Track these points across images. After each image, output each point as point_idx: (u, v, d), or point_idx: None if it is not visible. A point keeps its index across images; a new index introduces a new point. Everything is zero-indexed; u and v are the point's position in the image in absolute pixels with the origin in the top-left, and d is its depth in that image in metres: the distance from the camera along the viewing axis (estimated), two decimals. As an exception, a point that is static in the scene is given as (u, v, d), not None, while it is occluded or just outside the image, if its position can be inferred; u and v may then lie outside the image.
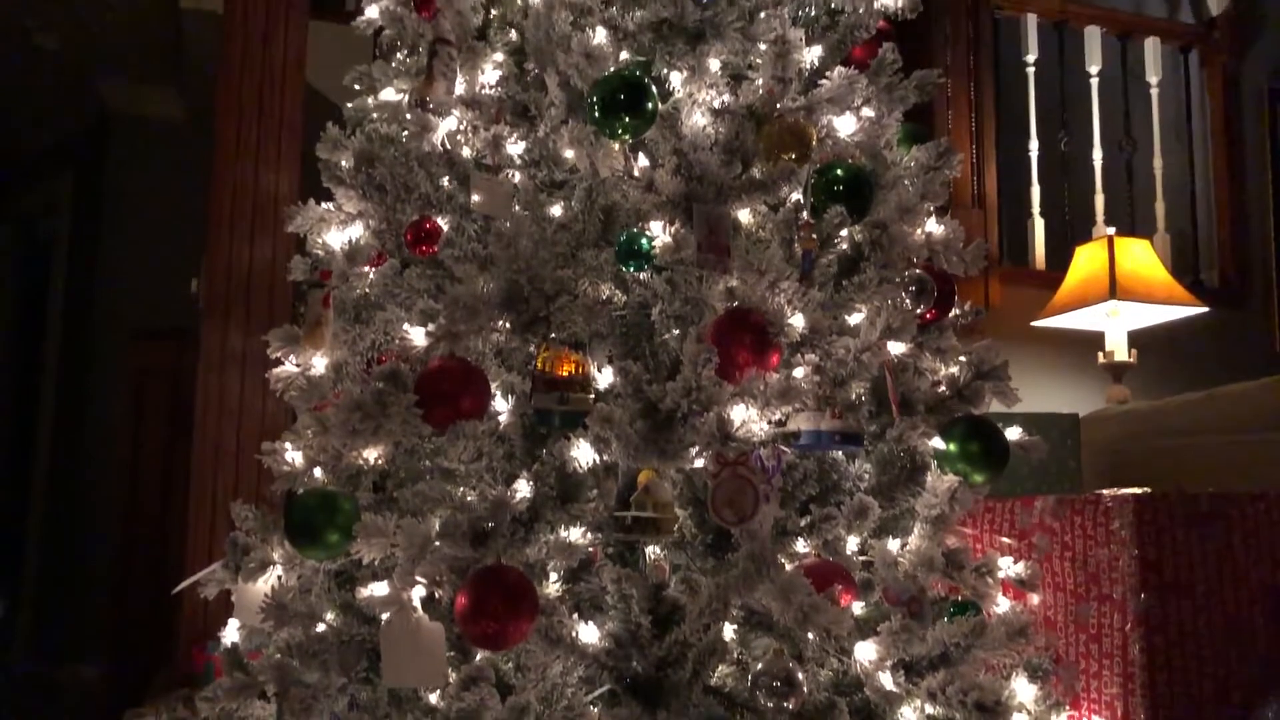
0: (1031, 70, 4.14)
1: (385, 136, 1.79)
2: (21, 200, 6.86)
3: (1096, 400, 3.72)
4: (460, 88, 1.71)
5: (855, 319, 1.59)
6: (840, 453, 1.63)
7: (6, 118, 6.00)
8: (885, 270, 1.62)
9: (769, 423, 1.40)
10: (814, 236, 1.58)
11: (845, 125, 1.69)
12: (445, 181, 1.72)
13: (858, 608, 1.56)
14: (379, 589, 1.43)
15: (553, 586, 1.49)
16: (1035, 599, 1.86)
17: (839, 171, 1.64)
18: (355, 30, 1.98)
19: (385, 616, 1.39)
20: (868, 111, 1.72)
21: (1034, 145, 4.11)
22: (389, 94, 1.83)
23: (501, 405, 1.56)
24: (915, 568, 1.54)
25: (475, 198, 1.61)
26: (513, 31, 1.81)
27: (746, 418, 1.38)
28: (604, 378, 1.55)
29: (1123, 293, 3.50)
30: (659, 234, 1.55)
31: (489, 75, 1.76)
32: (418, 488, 1.50)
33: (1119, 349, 3.64)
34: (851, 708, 1.51)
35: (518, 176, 1.71)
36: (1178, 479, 2.49)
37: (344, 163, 1.75)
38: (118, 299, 5.54)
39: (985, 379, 1.64)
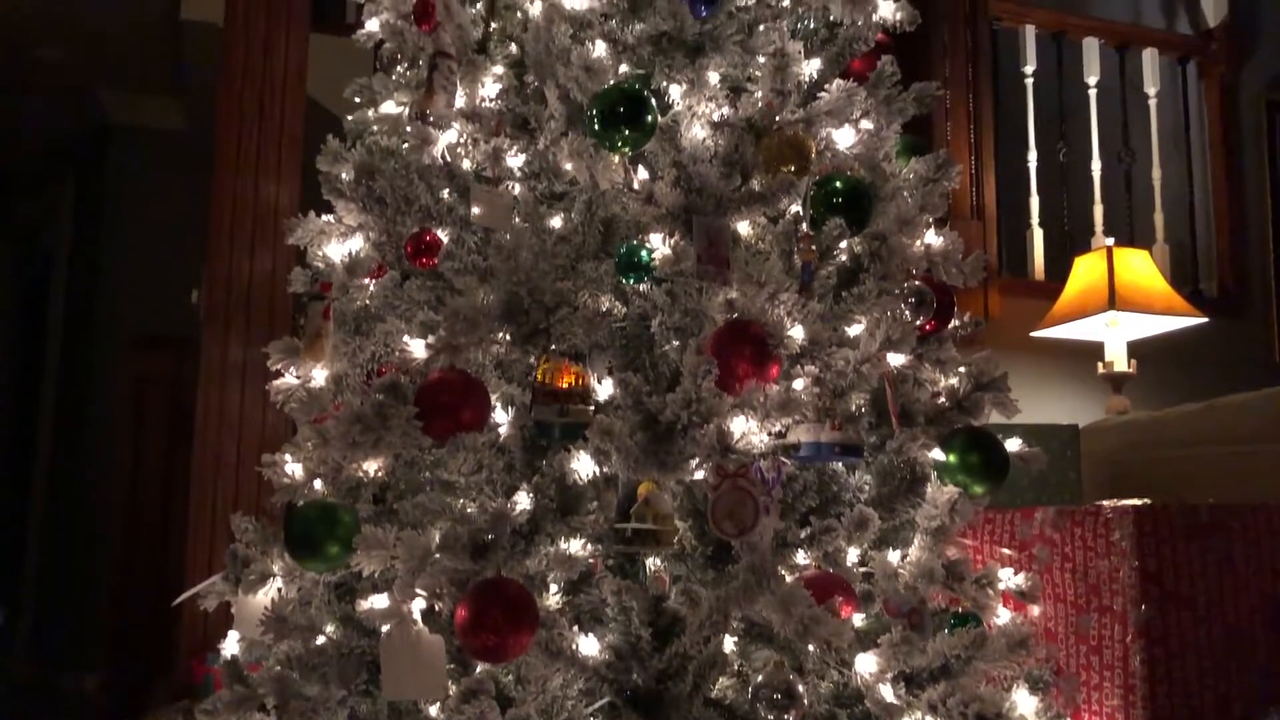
0: (1030, 81, 4.15)
1: (385, 149, 1.80)
2: (23, 208, 6.88)
3: (1096, 411, 3.71)
4: (460, 101, 1.71)
5: (855, 330, 1.59)
6: (840, 464, 1.63)
7: (9, 127, 6.02)
8: (884, 282, 1.62)
9: (769, 434, 1.41)
10: (813, 248, 1.59)
11: (844, 137, 1.70)
12: (445, 194, 1.73)
13: (858, 619, 1.56)
14: (379, 601, 1.43)
15: (553, 599, 1.49)
16: (1036, 610, 1.86)
17: (838, 184, 1.65)
18: (356, 43, 1.99)
19: (385, 629, 1.39)
20: (867, 124, 1.73)
21: (1033, 156, 4.12)
22: (389, 107, 1.84)
23: (501, 417, 1.56)
24: (916, 579, 1.54)
25: (475, 210, 1.61)
26: (513, 45, 1.82)
27: (746, 429, 1.38)
28: (604, 390, 1.56)
29: (1122, 303, 3.50)
30: (659, 246, 1.55)
31: (489, 88, 1.76)
32: (418, 500, 1.51)
33: (1118, 359, 3.65)
34: (852, 720, 1.51)
35: (518, 189, 1.72)
36: (1178, 490, 2.49)
37: (344, 175, 1.75)
38: (118, 307, 5.55)
39: (985, 390, 1.65)
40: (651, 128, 1.57)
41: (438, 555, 1.35)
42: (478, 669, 1.45)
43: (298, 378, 1.72)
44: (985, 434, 1.63)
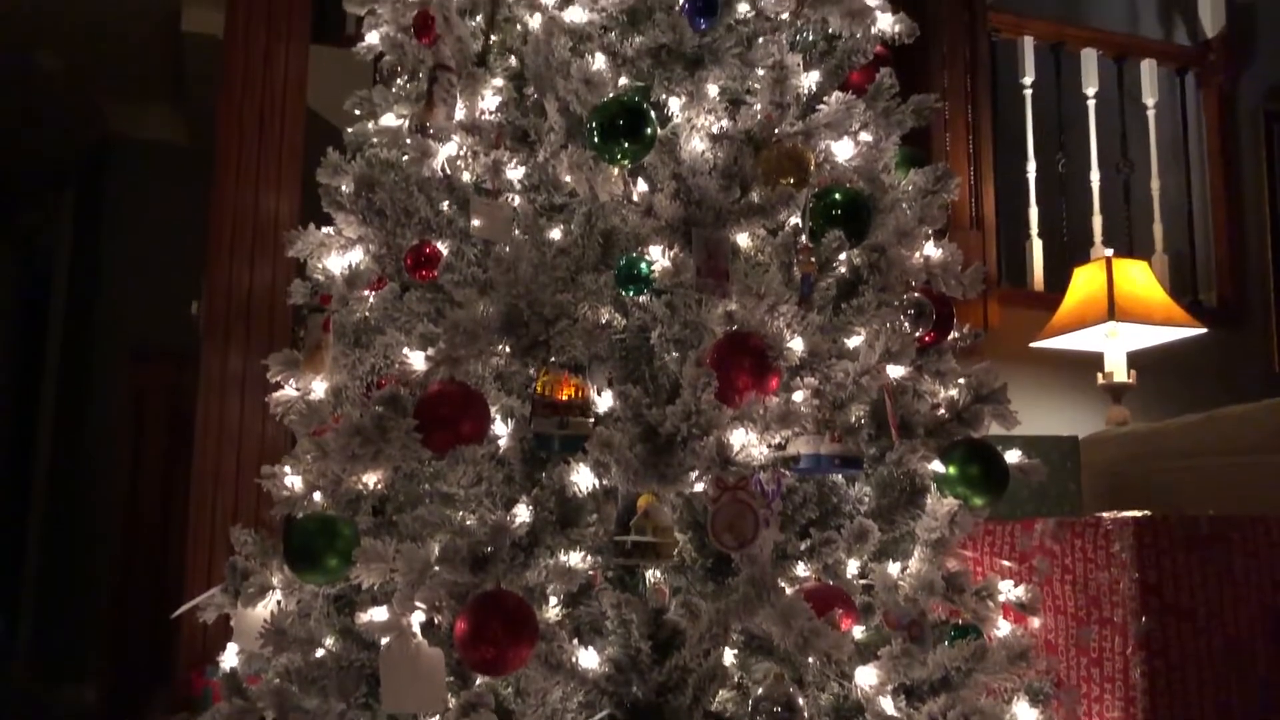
0: (1029, 92, 4.16)
1: (385, 161, 1.80)
2: (24, 219, 6.90)
3: (1096, 422, 3.71)
4: (460, 113, 1.72)
5: (854, 342, 1.60)
6: (840, 476, 1.63)
7: (9, 138, 6.03)
8: (884, 293, 1.63)
9: (769, 446, 1.41)
10: (813, 260, 1.59)
11: (843, 150, 1.70)
12: (445, 206, 1.73)
13: (858, 632, 1.56)
14: (378, 614, 1.43)
15: (552, 611, 1.49)
16: (1036, 622, 1.85)
17: (837, 196, 1.65)
18: (356, 56, 1.99)
19: (384, 642, 1.38)
20: (865, 136, 1.73)
21: (1031, 167, 4.13)
22: (389, 119, 1.84)
23: (501, 429, 1.56)
24: (916, 591, 1.54)
25: (475, 222, 1.61)
26: (512, 57, 1.82)
27: (746, 441, 1.38)
28: (603, 402, 1.56)
29: (1121, 314, 3.50)
30: (658, 258, 1.56)
31: (489, 101, 1.77)
32: (417, 512, 1.51)
33: (1118, 370, 3.65)
34: (852, 732, 1.50)
35: (517, 201, 1.72)
36: (1178, 501, 2.49)
37: (344, 188, 1.76)
38: (118, 317, 5.56)
39: (984, 401, 1.65)
40: (651, 140, 1.58)
41: (437, 568, 1.35)
42: (477, 681, 1.45)
43: (297, 390, 1.72)
44: (985, 445, 1.63)
